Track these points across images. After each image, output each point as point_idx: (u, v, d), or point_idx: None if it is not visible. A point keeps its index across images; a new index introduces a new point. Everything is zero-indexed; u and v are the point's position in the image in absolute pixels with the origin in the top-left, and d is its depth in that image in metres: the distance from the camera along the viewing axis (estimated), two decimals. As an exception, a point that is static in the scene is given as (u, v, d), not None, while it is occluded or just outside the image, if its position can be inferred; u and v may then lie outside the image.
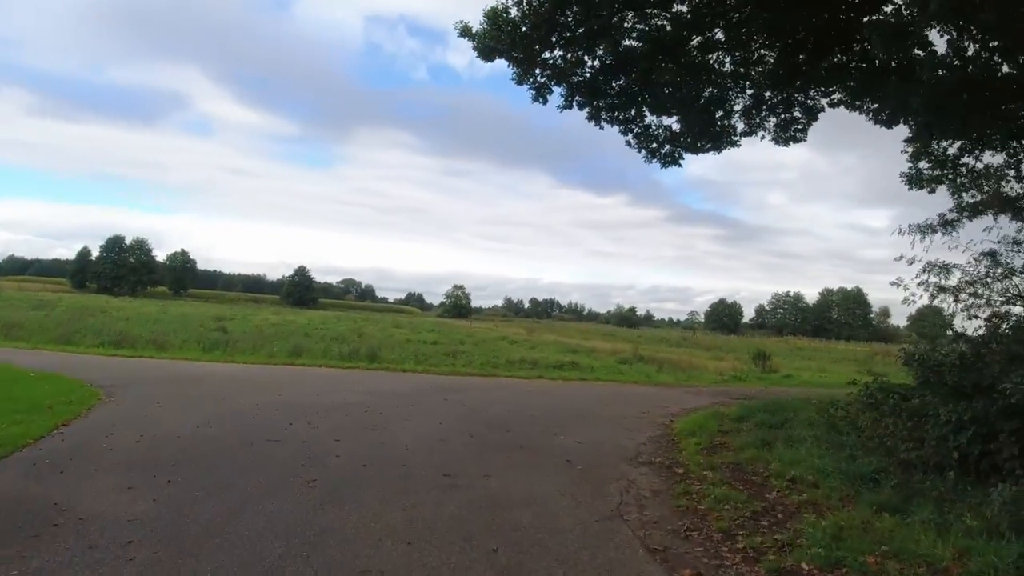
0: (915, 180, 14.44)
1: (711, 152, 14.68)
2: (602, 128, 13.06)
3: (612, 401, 12.26)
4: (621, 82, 12.77)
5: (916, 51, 8.94)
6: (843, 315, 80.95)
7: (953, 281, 7.85)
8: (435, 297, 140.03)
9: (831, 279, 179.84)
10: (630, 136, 13.31)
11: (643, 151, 13.85)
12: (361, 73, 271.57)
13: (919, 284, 8.63)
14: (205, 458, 6.17)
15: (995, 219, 9.27)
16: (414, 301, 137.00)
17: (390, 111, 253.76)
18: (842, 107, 13.24)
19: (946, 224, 9.07)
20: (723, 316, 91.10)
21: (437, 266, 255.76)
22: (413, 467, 6.21)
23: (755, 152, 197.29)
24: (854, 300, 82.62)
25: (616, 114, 12.60)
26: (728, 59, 12.94)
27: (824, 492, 5.88)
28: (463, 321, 72.13)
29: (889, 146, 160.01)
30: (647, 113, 13.49)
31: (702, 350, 36.87)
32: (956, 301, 7.60)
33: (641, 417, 10.39)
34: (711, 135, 13.72)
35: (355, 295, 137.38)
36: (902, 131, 11.76)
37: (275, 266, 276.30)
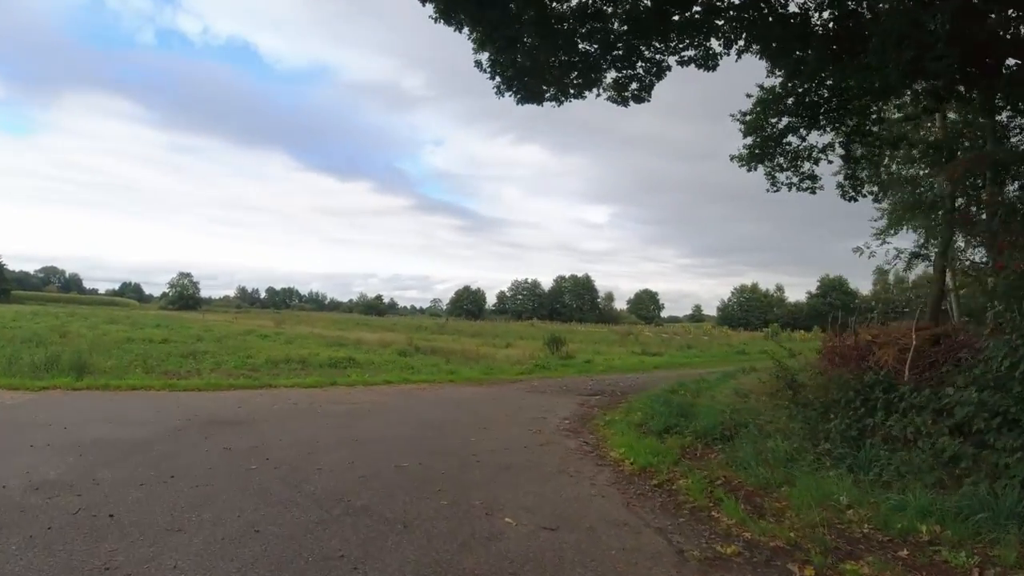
0: (745, 159, 14.08)
1: (552, 102, 12.32)
2: (459, 31, 9.46)
3: (465, 416, 8.70)
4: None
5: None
6: (574, 300, 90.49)
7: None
8: (156, 287, 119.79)
9: (557, 268, 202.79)
10: (489, 50, 9.82)
11: (498, 77, 10.53)
12: (76, 28, 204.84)
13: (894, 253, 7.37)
14: None
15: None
16: (131, 292, 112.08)
17: (108, 75, 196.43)
18: (692, 65, 11.96)
19: None
20: (467, 303, 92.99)
21: (158, 253, 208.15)
22: None
23: (493, 149, 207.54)
24: (584, 286, 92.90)
25: (481, 11, 8.96)
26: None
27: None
28: (194, 313, 59.80)
29: (611, 150, 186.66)
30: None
31: (468, 336, 35.24)
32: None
33: (546, 443, 7.13)
34: (580, 70, 11.19)
35: (58, 285, 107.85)
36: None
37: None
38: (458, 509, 4.47)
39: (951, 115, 13.67)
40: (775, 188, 14.44)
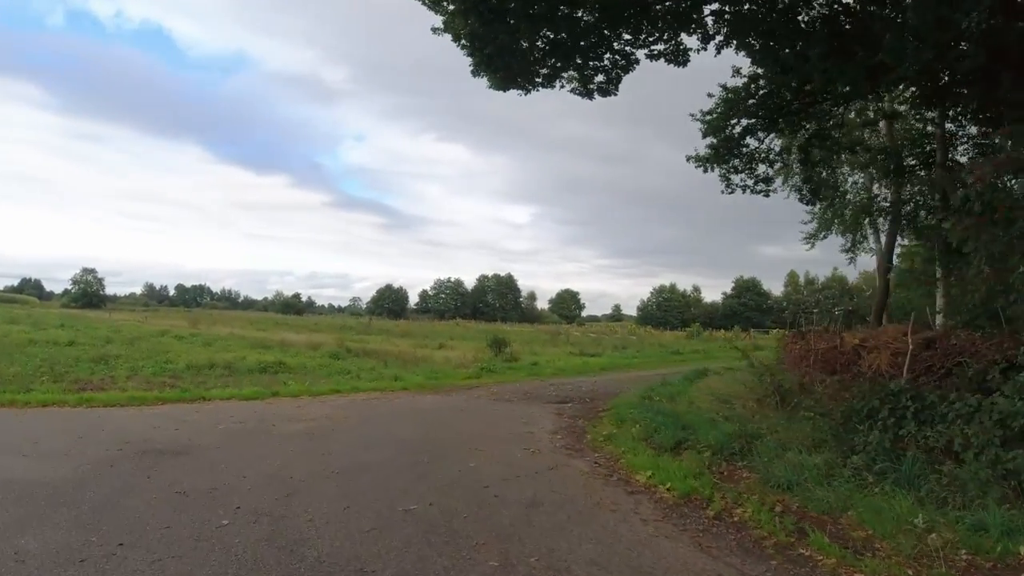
0: (705, 160, 13.96)
1: (520, 90, 11.81)
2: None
3: (443, 432, 7.70)
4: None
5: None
6: (497, 299, 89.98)
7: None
8: (57, 284, 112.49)
9: (479, 267, 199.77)
10: (472, 22, 8.85)
11: (476, 55, 9.62)
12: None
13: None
14: None
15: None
16: (30, 289, 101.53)
17: (13, 58, 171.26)
18: (662, 60, 11.62)
19: None
20: (388, 302, 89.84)
21: (60, 247, 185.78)
22: None
23: (416, 146, 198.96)
24: (506, 285, 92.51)
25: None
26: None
27: None
28: (99, 312, 54.58)
29: (533, 151, 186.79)
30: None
31: (397, 337, 33.70)
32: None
33: (554, 466, 6.32)
34: (558, 57, 10.54)
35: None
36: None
37: None
38: (516, 573, 3.54)
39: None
40: (730, 190, 14.44)
